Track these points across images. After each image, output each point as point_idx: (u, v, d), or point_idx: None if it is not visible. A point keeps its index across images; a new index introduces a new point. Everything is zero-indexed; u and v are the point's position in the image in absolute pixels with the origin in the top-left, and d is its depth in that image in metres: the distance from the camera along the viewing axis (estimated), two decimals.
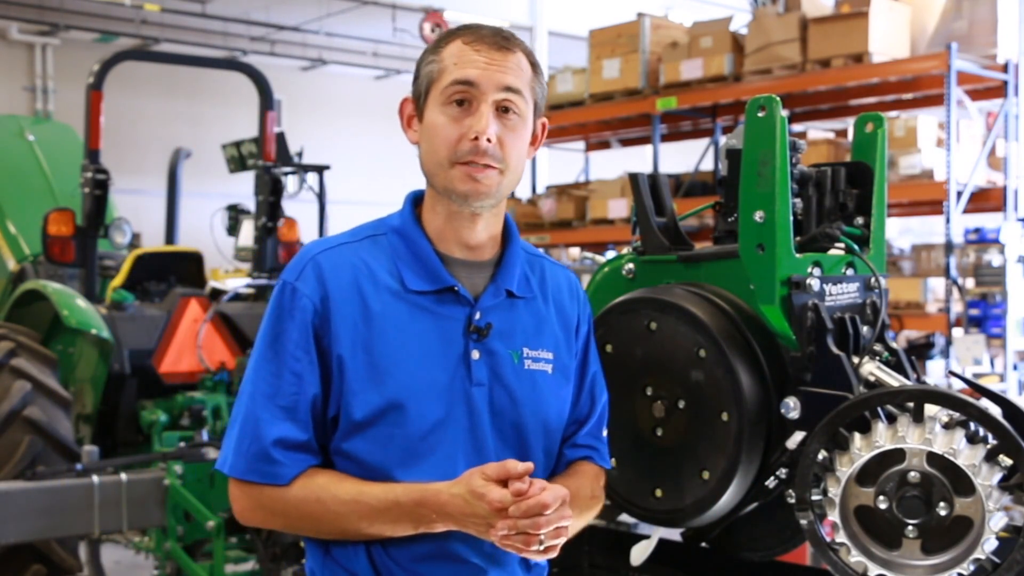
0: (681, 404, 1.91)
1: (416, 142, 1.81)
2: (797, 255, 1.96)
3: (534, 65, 1.78)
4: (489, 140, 1.70)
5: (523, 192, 12.57)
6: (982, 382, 2.07)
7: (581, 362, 1.91)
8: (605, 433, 1.90)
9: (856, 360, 1.91)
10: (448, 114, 1.72)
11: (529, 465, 1.62)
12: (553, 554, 1.64)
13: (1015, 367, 8.25)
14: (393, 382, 1.71)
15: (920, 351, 7.40)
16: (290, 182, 6.23)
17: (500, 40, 1.75)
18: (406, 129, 1.83)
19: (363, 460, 1.72)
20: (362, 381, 1.71)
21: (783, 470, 1.90)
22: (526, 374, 1.80)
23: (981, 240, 12.07)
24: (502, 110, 1.73)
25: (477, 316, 1.76)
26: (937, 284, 8.77)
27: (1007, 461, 1.68)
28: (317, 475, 1.72)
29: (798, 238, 2.00)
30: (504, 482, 1.61)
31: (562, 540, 1.64)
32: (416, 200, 1.85)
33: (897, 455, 1.73)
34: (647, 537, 2.18)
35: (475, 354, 1.76)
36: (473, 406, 1.75)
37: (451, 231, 1.78)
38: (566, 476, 1.86)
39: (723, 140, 3.24)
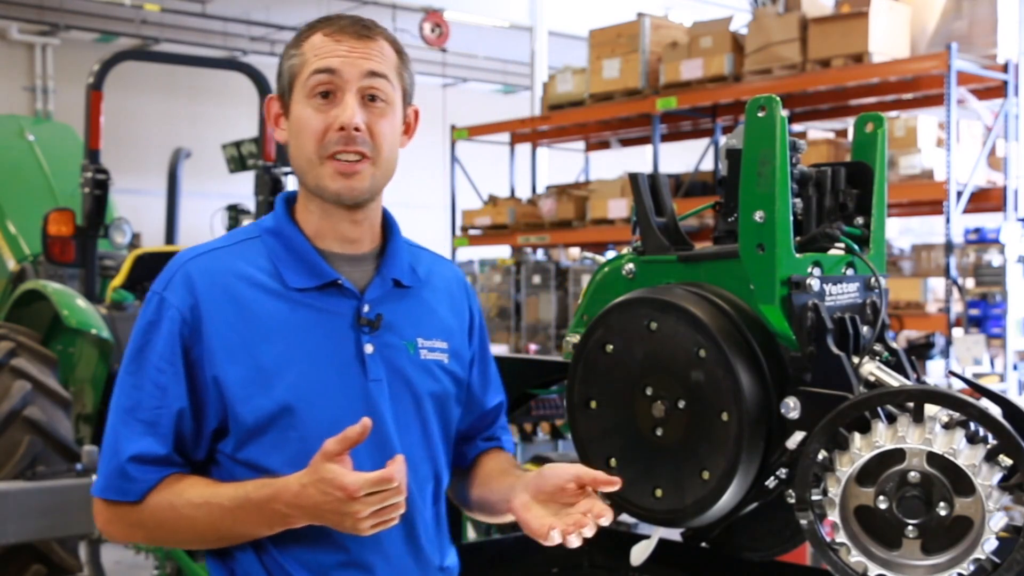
0: (681, 404, 1.91)
1: (285, 141, 1.75)
2: (797, 255, 1.95)
3: (400, 52, 1.74)
4: (358, 129, 1.64)
5: (523, 192, 12.58)
6: (982, 382, 2.07)
7: (480, 355, 1.90)
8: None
9: (856, 360, 1.91)
10: (313, 106, 1.66)
11: (366, 426, 1.52)
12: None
13: (1015, 367, 8.25)
14: (282, 384, 1.64)
15: (920, 351, 7.40)
16: (290, 182, 6.24)
17: (361, 29, 1.71)
18: (274, 129, 1.77)
19: (262, 467, 1.66)
20: (249, 387, 1.64)
21: (783, 470, 1.90)
22: (423, 364, 1.76)
23: (981, 240, 12.07)
24: (368, 98, 1.67)
25: (365, 308, 1.71)
26: (937, 284, 8.77)
27: (1007, 461, 1.68)
28: (175, 482, 1.66)
29: (798, 238, 2.00)
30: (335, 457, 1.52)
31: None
32: (288, 200, 1.79)
33: (897, 455, 1.73)
34: (647, 537, 2.18)
35: (368, 348, 1.70)
36: (372, 403, 1.69)
37: (329, 227, 1.73)
38: (491, 463, 1.90)
39: (723, 140, 3.24)
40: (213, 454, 1.71)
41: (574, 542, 1.61)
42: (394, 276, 1.77)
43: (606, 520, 1.65)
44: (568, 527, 1.61)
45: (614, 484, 1.67)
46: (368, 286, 1.74)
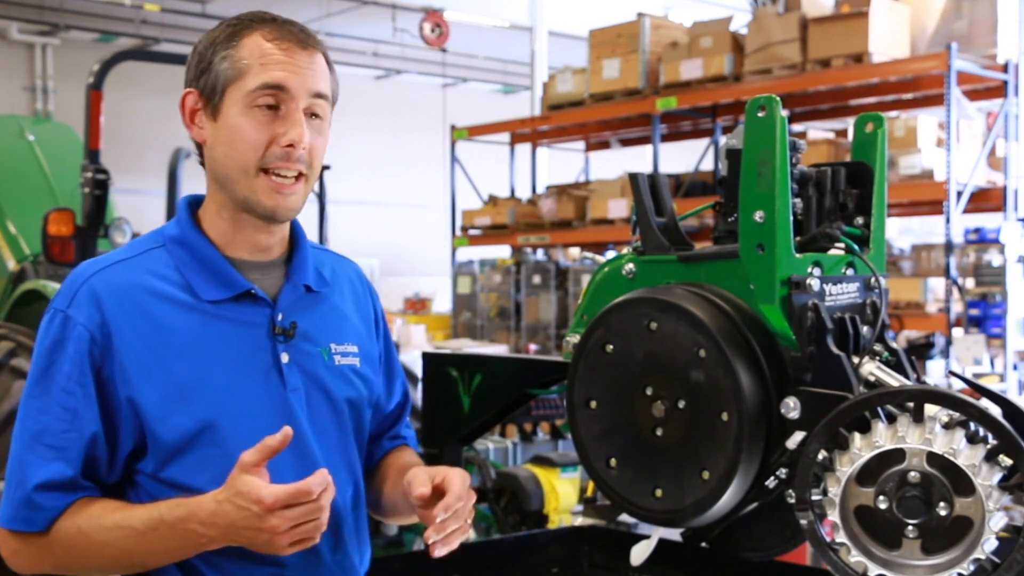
0: (681, 404, 1.91)
1: (202, 141, 1.70)
2: (797, 255, 1.95)
3: (330, 64, 1.71)
4: (304, 148, 1.61)
5: (523, 192, 12.58)
6: (982, 382, 2.07)
7: (385, 354, 1.87)
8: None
9: (856, 360, 1.91)
10: (254, 117, 1.61)
11: (287, 434, 1.48)
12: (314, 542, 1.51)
13: (1015, 367, 8.25)
14: (201, 400, 1.59)
15: (920, 351, 7.40)
16: None
17: (304, 37, 1.65)
18: (189, 125, 1.72)
19: (184, 486, 1.59)
20: (167, 404, 1.57)
21: (783, 470, 1.90)
22: (337, 370, 1.73)
23: (981, 240, 12.07)
24: (310, 115, 1.64)
25: (280, 317, 1.67)
26: (937, 284, 8.78)
27: (1007, 461, 1.68)
28: (84, 506, 1.58)
29: (798, 238, 2.00)
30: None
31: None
32: (191, 204, 1.73)
33: (897, 455, 1.73)
34: (647, 537, 2.18)
35: (284, 357, 1.66)
36: (292, 413, 1.65)
37: (241, 236, 1.67)
38: (399, 460, 1.88)
39: (723, 140, 3.24)
40: (131, 475, 1.64)
41: (439, 551, 1.61)
42: (304, 282, 1.73)
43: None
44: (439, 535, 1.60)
45: (425, 493, 1.62)
46: (280, 293, 1.69)
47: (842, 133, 10.15)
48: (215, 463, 1.58)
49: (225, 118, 1.64)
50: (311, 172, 1.65)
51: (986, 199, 8.36)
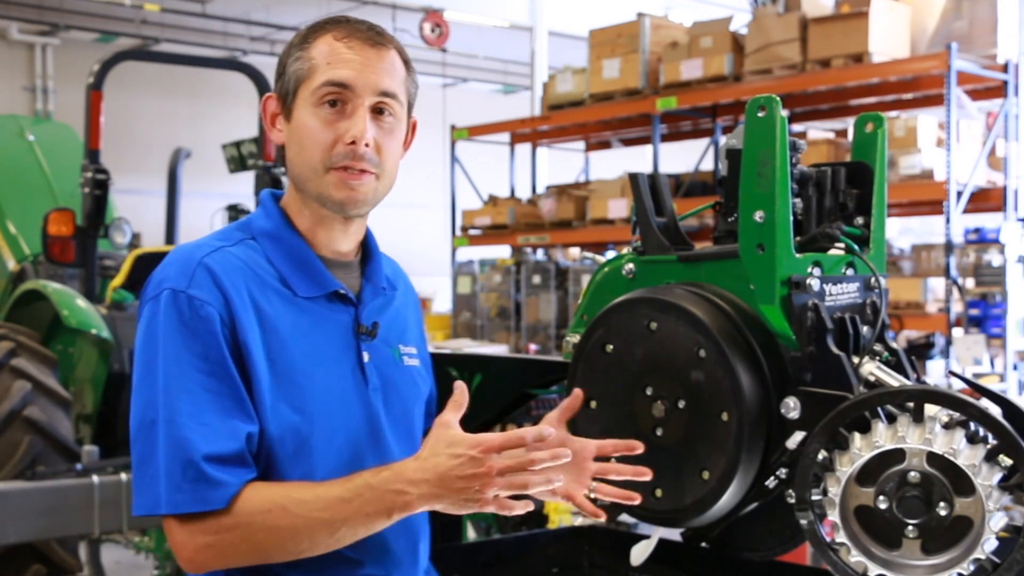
0: (681, 404, 1.91)
1: (281, 143, 1.70)
2: (797, 255, 1.95)
3: (407, 62, 1.71)
4: (367, 144, 1.61)
5: (523, 192, 12.58)
6: (982, 382, 2.07)
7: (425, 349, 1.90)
8: None
9: (856, 360, 1.91)
10: (321, 116, 1.62)
11: (461, 390, 1.51)
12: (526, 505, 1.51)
13: (1015, 367, 8.25)
14: (301, 393, 1.60)
15: (920, 351, 7.40)
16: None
17: (373, 36, 1.66)
18: (270, 128, 1.72)
19: (285, 478, 1.59)
20: (275, 393, 1.58)
21: (783, 470, 1.90)
22: (406, 370, 1.77)
23: (981, 240, 12.06)
24: (377, 111, 1.64)
25: (363, 316, 1.71)
26: (937, 284, 8.78)
27: (1007, 461, 1.68)
28: (263, 486, 1.55)
29: (798, 238, 2.00)
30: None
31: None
32: (278, 200, 1.74)
33: (897, 455, 1.73)
34: (647, 537, 2.18)
35: (365, 356, 1.69)
36: (373, 411, 1.68)
37: (323, 234, 1.70)
38: None
39: (723, 140, 3.24)
40: None
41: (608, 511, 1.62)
42: (380, 283, 1.76)
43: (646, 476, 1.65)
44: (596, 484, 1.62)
45: (636, 448, 1.66)
46: (361, 293, 1.72)
47: (842, 133, 10.15)
48: (305, 458, 1.59)
49: (296, 118, 1.65)
50: (381, 171, 1.65)
51: (986, 199, 8.36)
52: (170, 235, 7.20)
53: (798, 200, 2.03)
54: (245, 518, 1.51)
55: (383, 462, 1.58)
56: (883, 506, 1.74)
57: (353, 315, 1.70)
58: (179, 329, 1.55)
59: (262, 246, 1.67)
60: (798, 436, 1.86)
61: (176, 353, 1.55)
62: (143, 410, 1.57)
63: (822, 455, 1.79)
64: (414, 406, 1.79)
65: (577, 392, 1.62)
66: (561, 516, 5.59)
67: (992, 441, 1.69)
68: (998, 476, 1.67)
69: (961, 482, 1.69)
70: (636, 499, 1.62)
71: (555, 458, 1.46)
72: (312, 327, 1.65)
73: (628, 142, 12.01)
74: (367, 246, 1.79)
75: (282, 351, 1.60)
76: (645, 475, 1.63)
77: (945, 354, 7.56)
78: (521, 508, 1.47)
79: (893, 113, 8.93)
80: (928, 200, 8.26)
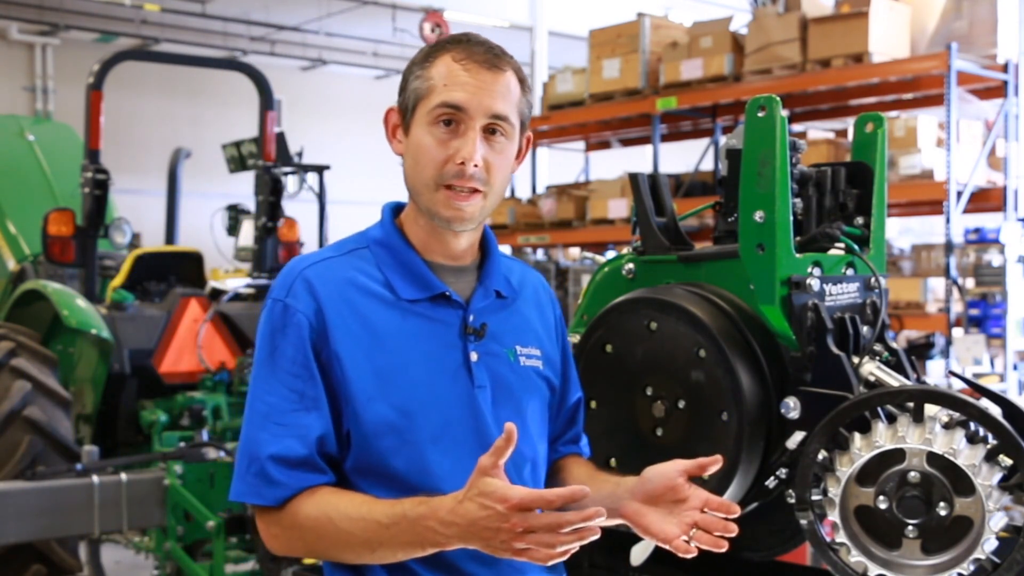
0: (681, 404, 1.92)
1: (400, 154, 1.80)
2: (797, 255, 1.96)
3: (522, 81, 1.78)
4: (476, 165, 1.69)
5: (523, 192, 12.58)
6: (982, 382, 2.07)
7: (563, 360, 1.93)
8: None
9: (856, 360, 1.91)
10: (435, 135, 1.71)
11: (510, 432, 1.50)
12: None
13: (1015, 367, 8.25)
14: (398, 390, 1.70)
15: (920, 351, 7.40)
16: (290, 182, 6.24)
17: (491, 58, 1.73)
18: (391, 139, 1.82)
19: (378, 471, 1.69)
20: (369, 391, 1.69)
21: (783, 470, 1.90)
22: (523, 370, 1.82)
23: (981, 240, 12.06)
24: (489, 131, 1.72)
25: (471, 318, 1.78)
26: (937, 284, 8.77)
27: (1007, 461, 1.68)
28: (327, 493, 1.67)
29: (798, 238, 2.00)
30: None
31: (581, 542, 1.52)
32: (395, 211, 1.85)
33: (897, 455, 1.73)
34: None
35: (474, 356, 1.76)
36: (476, 409, 1.74)
37: (436, 242, 1.79)
38: (577, 469, 1.89)
39: (723, 140, 3.24)
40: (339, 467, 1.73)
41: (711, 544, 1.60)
42: (495, 287, 1.83)
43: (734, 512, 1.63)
44: (694, 530, 1.61)
45: (716, 463, 1.65)
46: (472, 296, 1.80)
47: (842, 133, 10.14)
48: (405, 450, 1.69)
49: (413, 134, 1.75)
50: (489, 188, 1.73)
51: (986, 199, 8.36)
52: (170, 235, 7.20)
53: (798, 200, 2.03)
54: (298, 520, 1.65)
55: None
56: (883, 506, 1.74)
57: (461, 316, 1.77)
58: (271, 334, 1.71)
59: (374, 254, 1.78)
60: (798, 436, 1.86)
61: (268, 356, 1.71)
62: (246, 404, 1.74)
63: (822, 455, 1.79)
64: (528, 405, 1.82)
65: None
66: None
67: (992, 441, 1.69)
68: (998, 476, 1.68)
69: (961, 482, 1.69)
70: (724, 547, 1.62)
71: (586, 520, 1.47)
72: (416, 328, 1.74)
73: (628, 142, 12.00)
74: (486, 250, 1.86)
75: (380, 352, 1.70)
76: (732, 532, 1.61)
77: (945, 354, 7.56)
78: (558, 558, 1.49)
79: (893, 113, 8.92)
80: (928, 200, 8.25)
